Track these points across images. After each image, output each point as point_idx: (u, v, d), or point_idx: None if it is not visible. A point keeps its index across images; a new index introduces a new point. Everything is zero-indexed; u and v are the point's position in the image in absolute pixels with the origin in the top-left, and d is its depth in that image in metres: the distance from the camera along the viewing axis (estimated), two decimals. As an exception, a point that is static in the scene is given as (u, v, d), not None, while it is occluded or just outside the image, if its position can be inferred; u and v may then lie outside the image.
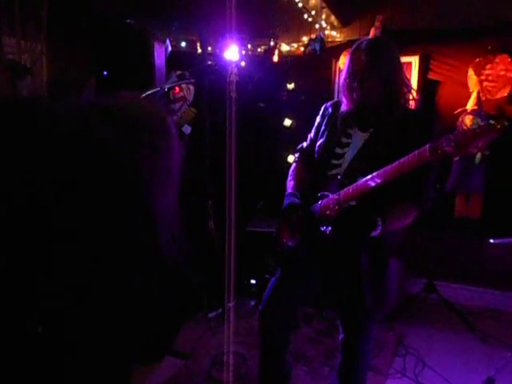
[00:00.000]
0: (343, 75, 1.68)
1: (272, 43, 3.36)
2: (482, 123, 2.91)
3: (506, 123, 1.28)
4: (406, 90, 1.65)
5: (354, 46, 1.63)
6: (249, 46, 3.47)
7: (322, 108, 1.86)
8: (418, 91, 3.23)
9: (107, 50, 3.01)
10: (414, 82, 3.25)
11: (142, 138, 0.69)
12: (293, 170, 1.92)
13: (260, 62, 3.49)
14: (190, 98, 3.28)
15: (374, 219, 1.51)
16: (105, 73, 2.98)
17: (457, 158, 3.06)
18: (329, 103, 1.86)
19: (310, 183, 1.84)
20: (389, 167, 1.46)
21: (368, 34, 3.14)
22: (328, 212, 1.60)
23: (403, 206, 1.60)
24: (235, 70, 2.79)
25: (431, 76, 3.25)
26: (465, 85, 3.06)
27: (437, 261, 3.16)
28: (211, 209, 3.18)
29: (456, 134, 1.36)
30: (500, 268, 3.18)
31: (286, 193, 1.83)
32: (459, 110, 3.05)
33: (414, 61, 3.23)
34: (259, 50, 3.55)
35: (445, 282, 3.23)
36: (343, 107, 1.73)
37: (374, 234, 1.52)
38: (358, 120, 1.69)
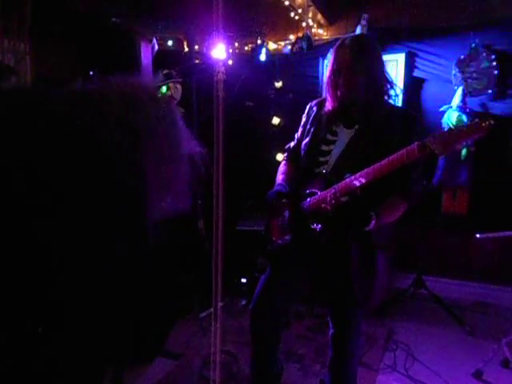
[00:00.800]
0: (327, 73, 1.69)
1: (259, 41, 3.36)
2: (466, 120, 2.96)
3: (492, 122, 1.29)
4: (389, 86, 1.67)
5: (338, 43, 1.64)
6: (236, 44, 3.47)
7: (307, 107, 1.88)
8: (403, 89, 3.27)
9: (93, 49, 2.98)
10: (399, 79, 3.28)
11: (123, 119, 0.69)
12: (281, 167, 1.94)
13: (247, 60, 3.49)
14: (178, 97, 3.26)
15: (368, 214, 1.52)
16: (91, 73, 2.95)
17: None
18: (313, 102, 1.87)
19: (296, 180, 1.84)
20: (378, 165, 1.47)
21: (354, 32, 3.16)
22: (324, 205, 1.59)
23: (394, 200, 1.62)
24: (222, 69, 2.78)
25: (416, 74, 3.28)
26: (449, 82, 3.10)
27: (425, 256, 3.20)
28: (201, 208, 3.17)
29: (443, 133, 1.38)
30: (486, 262, 3.24)
31: (275, 188, 1.83)
32: (444, 107, 3.09)
33: (399, 59, 3.26)
34: (246, 48, 3.55)
35: (433, 276, 3.27)
36: (327, 105, 1.73)
37: (367, 228, 1.53)
38: (343, 117, 1.70)
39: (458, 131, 1.35)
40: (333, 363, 1.92)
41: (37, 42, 2.84)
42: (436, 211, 3.21)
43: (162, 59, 3.15)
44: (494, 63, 2.95)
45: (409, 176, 1.57)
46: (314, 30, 3.43)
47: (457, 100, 3.03)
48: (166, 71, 2.77)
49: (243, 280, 3.33)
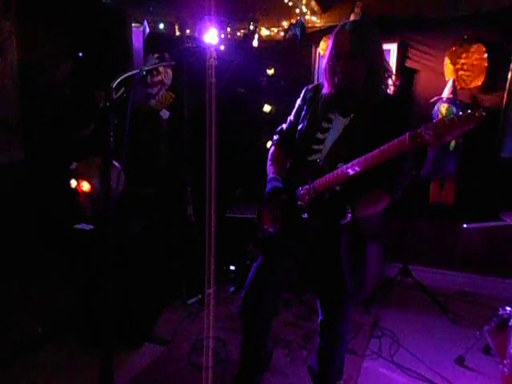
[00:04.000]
0: (326, 57, 1.66)
1: (252, 27, 3.32)
2: (456, 112, 2.98)
3: (484, 113, 1.30)
4: (386, 75, 1.66)
5: (338, 28, 1.61)
6: (228, 29, 3.42)
7: (303, 91, 1.85)
8: (396, 78, 3.28)
9: (83, 30, 2.90)
10: (392, 69, 3.28)
11: None
12: (272, 154, 1.90)
13: (239, 46, 3.44)
14: (168, 82, 3.22)
15: (343, 207, 1.52)
16: (80, 54, 2.88)
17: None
18: (310, 86, 1.85)
19: (289, 168, 1.84)
20: (369, 155, 1.46)
21: (348, 20, 3.13)
22: (300, 202, 1.63)
23: (375, 193, 1.61)
24: (214, 54, 2.74)
25: (409, 64, 3.28)
26: (441, 73, 3.11)
27: (412, 246, 3.24)
28: (190, 195, 3.15)
29: (435, 123, 1.37)
30: (472, 252, 3.30)
31: (268, 177, 1.82)
32: (435, 98, 3.10)
33: (392, 48, 3.26)
34: (238, 34, 3.50)
35: (419, 266, 3.32)
36: (324, 91, 1.71)
37: (343, 221, 1.53)
38: (339, 105, 1.68)
39: (450, 121, 1.34)
40: (322, 350, 1.96)
41: (24, 22, 2.76)
42: (424, 201, 3.24)
43: (153, 42, 3.09)
44: (485, 55, 2.96)
45: (395, 169, 1.56)
46: (307, 17, 3.39)
47: (447, 91, 3.04)
48: (157, 55, 2.72)
49: (232, 267, 3.35)
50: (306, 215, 1.61)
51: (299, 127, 1.78)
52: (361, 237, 1.69)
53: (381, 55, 1.64)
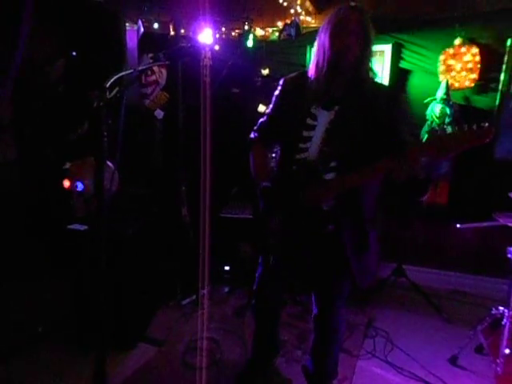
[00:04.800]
0: (327, 30, 1.57)
1: (246, 27, 3.31)
2: (449, 113, 3.00)
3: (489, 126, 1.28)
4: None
5: (345, 6, 1.58)
6: (223, 29, 3.41)
7: (282, 82, 1.77)
8: (389, 79, 3.29)
9: (77, 30, 2.89)
10: (385, 70, 3.29)
11: None
12: (258, 156, 1.84)
13: (234, 46, 3.44)
14: (163, 81, 3.21)
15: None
16: (73, 53, 2.86)
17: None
18: (289, 77, 1.77)
19: (279, 167, 1.77)
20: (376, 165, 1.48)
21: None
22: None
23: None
24: (209, 54, 2.74)
25: (403, 65, 3.30)
26: (435, 74, 3.13)
27: (406, 246, 3.26)
28: (185, 195, 3.14)
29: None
30: (465, 252, 3.32)
31: (261, 186, 1.78)
32: (428, 99, 3.12)
33: (386, 49, 3.27)
34: (233, 33, 3.50)
35: (413, 266, 3.34)
36: (310, 75, 1.65)
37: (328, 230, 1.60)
38: (323, 96, 1.63)
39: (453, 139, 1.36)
40: (315, 346, 1.97)
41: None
42: (418, 202, 3.26)
43: (148, 42, 3.08)
44: (478, 57, 2.98)
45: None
46: (301, 18, 3.40)
47: (441, 92, 3.06)
48: (151, 54, 2.71)
49: (226, 267, 3.34)
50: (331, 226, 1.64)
51: (283, 125, 1.72)
52: (362, 224, 1.67)
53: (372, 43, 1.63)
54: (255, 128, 1.88)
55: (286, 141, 1.71)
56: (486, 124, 1.29)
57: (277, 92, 1.79)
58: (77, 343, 2.43)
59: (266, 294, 2.01)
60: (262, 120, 1.86)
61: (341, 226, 1.63)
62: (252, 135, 1.88)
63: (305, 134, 1.64)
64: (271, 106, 1.82)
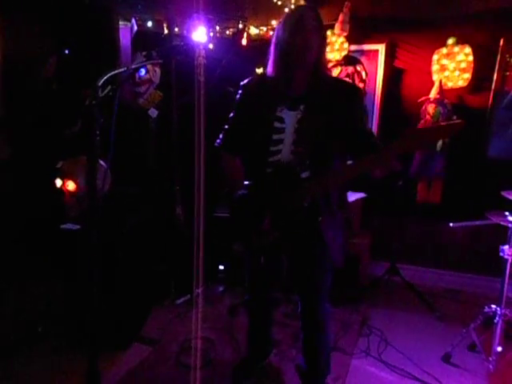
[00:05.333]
0: (280, 35, 1.59)
1: (240, 26, 3.30)
2: (443, 112, 3.02)
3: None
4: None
5: (299, 6, 1.64)
6: (217, 28, 3.40)
7: (240, 90, 1.78)
8: (383, 79, 3.30)
9: (70, 27, 2.86)
10: (380, 69, 3.30)
11: None
12: (228, 163, 1.85)
13: (228, 45, 3.43)
14: (157, 80, 3.19)
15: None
16: (66, 51, 2.84)
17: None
18: (246, 84, 1.78)
19: (252, 171, 1.76)
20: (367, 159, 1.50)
21: (336, 19, 3.15)
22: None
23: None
24: (203, 53, 2.73)
25: (397, 64, 3.31)
26: (429, 73, 3.14)
27: (399, 244, 3.27)
28: (178, 194, 3.13)
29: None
30: (458, 250, 3.34)
31: (237, 193, 1.77)
32: (422, 98, 3.13)
33: (380, 48, 3.28)
34: (227, 32, 3.48)
35: (407, 264, 3.36)
36: (270, 73, 1.66)
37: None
38: (285, 97, 1.65)
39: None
40: (305, 341, 1.99)
41: (7, 18, 2.71)
42: (411, 201, 3.28)
43: (141, 40, 3.06)
44: (472, 56, 3.00)
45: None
46: (296, 17, 3.39)
47: (435, 92, 3.08)
48: (145, 52, 2.70)
49: (221, 267, 3.33)
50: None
51: (247, 129, 1.73)
52: (334, 212, 1.71)
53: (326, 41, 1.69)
54: (220, 135, 1.87)
55: (256, 145, 1.71)
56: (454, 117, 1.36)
57: (237, 99, 1.79)
58: (70, 343, 2.41)
59: (257, 294, 2.05)
60: (225, 127, 1.85)
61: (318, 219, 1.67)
62: (217, 143, 1.87)
63: (275, 137, 1.65)
64: (233, 113, 1.82)
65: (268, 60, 1.68)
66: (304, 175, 1.63)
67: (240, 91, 1.78)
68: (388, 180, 1.63)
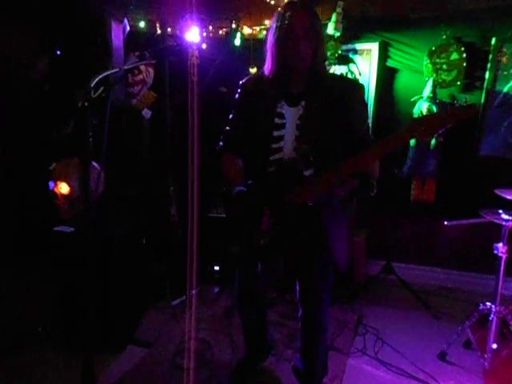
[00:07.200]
0: (273, 36, 1.54)
1: (234, 26, 3.29)
2: (436, 111, 3.03)
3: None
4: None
5: (290, 5, 1.53)
6: (210, 28, 3.39)
7: (240, 87, 1.75)
8: (376, 78, 3.31)
9: (61, 28, 2.83)
10: (372, 68, 3.31)
11: None
12: (230, 163, 1.80)
13: (221, 44, 3.42)
14: (150, 80, 3.18)
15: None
16: (58, 52, 2.81)
17: (413, 145, 3.18)
18: (245, 81, 1.75)
19: (251, 172, 1.74)
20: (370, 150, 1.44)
21: (330, 19, 3.15)
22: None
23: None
24: (196, 53, 2.71)
25: (390, 63, 3.32)
26: (421, 73, 3.15)
27: (394, 243, 3.28)
28: (173, 195, 3.12)
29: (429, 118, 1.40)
30: (453, 248, 3.36)
31: (235, 191, 1.71)
32: (415, 97, 3.15)
33: (373, 48, 3.29)
34: (220, 32, 3.48)
35: (402, 263, 3.37)
36: (267, 73, 1.63)
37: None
38: (284, 93, 1.62)
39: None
40: (303, 342, 1.96)
41: (-2, 18, 2.68)
42: (406, 199, 3.29)
43: (134, 41, 3.04)
44: (464, 55, 3.01)
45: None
46: (289, 16, 3.39)
47: (427, 91, 3.09)
48: (137, 53, 2.68)
49: (216, 267, 3.32)
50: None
51: (248, 128, 1.70)
52: (337, 211, 1.68)
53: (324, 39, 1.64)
54: (222, 138, 1.84)
55: (257, 144, 1.68)
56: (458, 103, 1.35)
57: (237, 98, 1.77)
58: (65, 345, 2.40)
59: (252, 296, 2.01)
60: (227, 129, 1.82)
61: (320, 217, 1.64)
62: (220, 145, 1.85)
63: (275, 133, 1.62)
64: (233, 113, 1.80)
65: (264, 59, 1.65)
66: (307, 173, 1.59)
67: (239, 90, 1.76)
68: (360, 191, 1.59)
